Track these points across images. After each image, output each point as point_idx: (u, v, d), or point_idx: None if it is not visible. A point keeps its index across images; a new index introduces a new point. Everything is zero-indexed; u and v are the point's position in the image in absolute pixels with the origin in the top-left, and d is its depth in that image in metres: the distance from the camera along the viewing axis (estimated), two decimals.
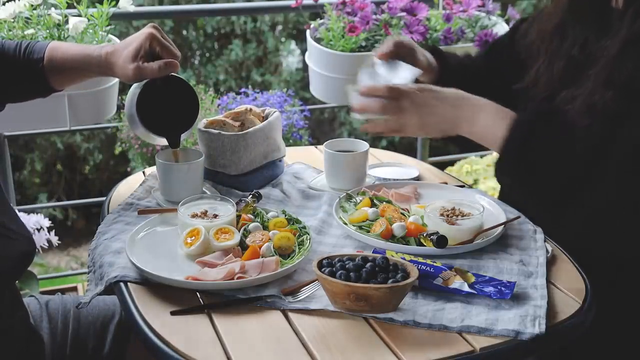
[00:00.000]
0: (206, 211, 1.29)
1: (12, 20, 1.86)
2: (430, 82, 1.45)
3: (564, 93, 1.30)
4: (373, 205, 1.39)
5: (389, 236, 1.28)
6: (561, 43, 1.34)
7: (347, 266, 1.08)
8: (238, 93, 2.62)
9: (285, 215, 1.31)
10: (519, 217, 1.37)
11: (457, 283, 1.11)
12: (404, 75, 1.37)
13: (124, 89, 1.42)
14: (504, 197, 1.51)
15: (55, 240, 2.03)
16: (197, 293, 1.12)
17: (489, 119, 1.26)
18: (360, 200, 1.41)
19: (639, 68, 1.18)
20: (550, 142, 1.22)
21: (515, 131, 1.23)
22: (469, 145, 1.40)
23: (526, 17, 1.65)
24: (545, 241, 1.30)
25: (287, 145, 1.63)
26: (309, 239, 1.24)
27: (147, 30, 1.31)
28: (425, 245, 1.25)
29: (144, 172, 1.61)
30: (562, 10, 1.34)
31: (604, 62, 1.24)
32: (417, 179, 1.59)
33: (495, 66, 1.58)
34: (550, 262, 1.24)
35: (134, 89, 1.35)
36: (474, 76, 1.55)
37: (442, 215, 1.31)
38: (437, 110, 1.23)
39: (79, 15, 1.93)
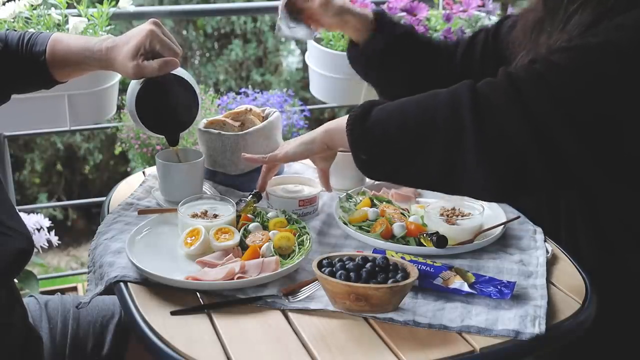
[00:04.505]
0: (206, 211, 1.29)
1: (12, 20, 1.86)
2: (363, 42, 1.55)
3: None
4: (373, 205, 1.39)
5: (389, 236, 1.28)
6: (538, 38, 1.34)
7: (347, 266, 1.08)
8: (238, 93, 2.61)
9: (285, 215, 1.31)
10: (518, 217, 1.37)
11: (457, 283, 1.11)
12: (301, 34, 1.52)
13: (124, 88, 1.41)
14: None
15: (55, 240, 2.03)
16: (197, 293, 1.12)
17: (338, 122, 1.26)
18: (360, 200, 1.41)
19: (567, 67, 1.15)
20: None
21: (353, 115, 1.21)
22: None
23: (509, 15, 1.64)
24: (545, 241, 1.30)
25: None
26: (309, 239, 1.24)
27: (147, 26, 1.29)
28: (425, 245, 1.25)
29: (144, 172, 1.61)
30: (541, 5, 1.33)
31: None
32: None
33: (471, 59, 1.58)
34: (550, 262, 1.24)
35: (134, 84, 1.34)
36: (429, 55, 1.58)
37: (442, 215, 1.31)
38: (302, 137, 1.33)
39: (79, 15, 1.93)
